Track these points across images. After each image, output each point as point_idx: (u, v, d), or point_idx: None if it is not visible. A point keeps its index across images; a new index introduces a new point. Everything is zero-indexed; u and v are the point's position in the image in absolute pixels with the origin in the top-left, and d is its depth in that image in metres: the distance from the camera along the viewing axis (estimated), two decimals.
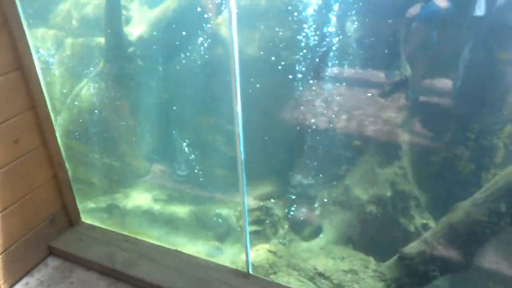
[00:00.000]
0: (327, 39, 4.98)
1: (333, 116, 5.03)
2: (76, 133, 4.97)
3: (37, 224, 3.45)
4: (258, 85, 4.82)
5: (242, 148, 3.07)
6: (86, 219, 3.79)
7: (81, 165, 4.82)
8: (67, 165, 3.56)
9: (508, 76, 4.34)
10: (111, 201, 4.95)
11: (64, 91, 5.31)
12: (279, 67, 5.05)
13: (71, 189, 3.67)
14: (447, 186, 4.33)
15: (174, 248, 3.44)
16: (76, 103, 5.14)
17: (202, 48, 5.38)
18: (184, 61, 5.38)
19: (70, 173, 3.61)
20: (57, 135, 3.45)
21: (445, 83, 4.64)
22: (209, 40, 5.36)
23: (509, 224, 3.17)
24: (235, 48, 2.78)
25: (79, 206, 3.73)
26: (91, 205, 4.67)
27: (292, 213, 4.62)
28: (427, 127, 4.68)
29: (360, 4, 4.77)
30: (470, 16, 4.36)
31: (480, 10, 4.27)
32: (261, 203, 4.72)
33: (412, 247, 3.73)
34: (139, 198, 5.26)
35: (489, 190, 3.34)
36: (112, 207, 4.87)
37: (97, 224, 3.77)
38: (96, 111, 5.15)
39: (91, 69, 5.25)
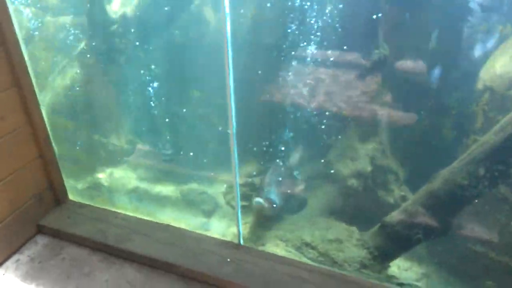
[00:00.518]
0: (308, 20, 5.04)
1: (314, 94, 5.11)
2: (62, 110, 4.89)
3: (24, 203, 3.44)
4: (245, 62, 4.85)
5: (234, 123, 3.13)
6: (73, 197, 3.79)
7: (67, 143, 4.75)
8: (53, 143, 3.54)
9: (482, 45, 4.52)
10: (97, 179, 4.91)
11: (49, 68, 5.19)
12: (265, 46, 5.08)
13: (58, 167, 3.66)
14: (428, 157, 4.49)
15: (165, 223, 3.49)
16: (60, 79, 5.04)
17: (189, 24, 5.34)
18: (170, 37, 5.33)
19: (56, 151, 3.58)
20: (43, 112, 3.41)
21: (423, 58, 4.77)
22: (197, 15, 5.33)
23: (487, 187, 3.35)
24: (227, 23, 2.82)
25: (66, 184, 3.72)
26: (78, 183, 4.62)
27: (277, 188, 4.70)
28: (406, 101, 4.82)
29: None
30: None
31: None
32: (248, 179, 4.78)
33: (393, 216, 3.89)
34: (125, 177, 5.24)
35: (466, 159, 3.51)
36: (98, 185, 4.84)
37: (84, 202, 3.77)
38: (80, 87, 5.07)
39: (75, 46, 5.14)
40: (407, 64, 4.93)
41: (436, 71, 4.72)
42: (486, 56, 4.47)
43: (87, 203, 3.70)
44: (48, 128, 3.46)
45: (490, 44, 4.48)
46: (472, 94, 4.41)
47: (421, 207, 3.72)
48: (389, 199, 4.63)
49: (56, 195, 3.63)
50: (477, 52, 4.55)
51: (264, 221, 4.42)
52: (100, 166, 5.18)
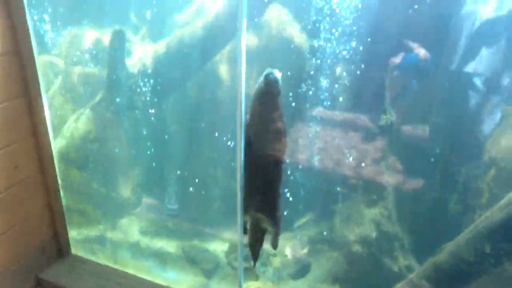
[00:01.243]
0: (318, 83, 5.20)
1: (323, 156, 5.17)
2: (74, 160, 4.95)
3: (27, 253, 3.42)
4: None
5: (241, 184, 3.15)
6: (75, 250, 3.76)
7: (75, 194, 4.76)
8: (62, 193, 3.56)
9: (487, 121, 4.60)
10: (100, 232, 4.87)
11: (65, 119, 5.32)
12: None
13: (64, 218, 3.66)
14: (433, 228, 4.46)
15: (165, 285, 3.43)
16: (75, 130, 5.15)
17: (202, 83, 5.52)
18: (184, 96, 5.49)
19: (64, 202, 3.60)
20: (55, 162, 3.46)
21: (430, 128, 4.86)
22: (210, 76, 5.50)
23: (493, 264, 3.29)
24: (242, 85, 2.91)
25: (70, 236, 3.71)
26: (81, 235, 4.59)
27: (280, 250, 4.65)
28: (413, 169, 4.85)
29: (349, 52, 5.01)
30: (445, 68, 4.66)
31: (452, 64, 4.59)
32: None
33: None
34: (128, 230, 5.20)
35: (472, 232, 3.48)
36: (101, 238, 4.79)
37: (86, 255, 3.74)
38: (94, 138, 5.16)
39: (92, 98, 5.30)
40: (414, 131, 5.02)
41: (443, 140, 4.78)
42: (492, 129, 4.55)
43: (89, 257, 3.66)
44: (59, 179, 3.49)
45: (495, 118, 4.57)
46: (478, 167, 4.45)
47: (426, 281, 3.65)
48: (394, 267, 4.55)
49: (59, 247, 3.60)
50: (484, 124, 4.63)
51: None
52: (105, 218, 5.17)
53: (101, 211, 5.09)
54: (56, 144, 3.69)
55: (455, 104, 4.70)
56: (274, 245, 2.95)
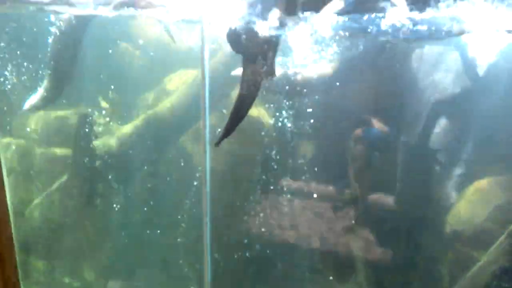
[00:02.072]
0: (284, 158, 5.32)
1: (290, 231, 5.16)
2: (34, 248, 4.74)
3: None
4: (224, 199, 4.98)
5: (209, 263, 3.11)
6: None
7: (36, 285, 4.51)
8: (21, 286, 3.39)
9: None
10: None
11: (26, 203, 5.18)
12: (243, 182, 5.26)
13: None
14: None
15: None
16: (37, 214, 4.99)
17: (170, 164, 5.54)
18: (152, 178, 5.49)
19: None
20: (16, 250, 3.33)
21: (391, 199, 4.99)
22: (178, 156, 5.55)
23: None
24: (207, 162, 2.99)
25: None
26: None
27: None
28: (380, 242, 4.90)
29: (312, 129, 5.21)
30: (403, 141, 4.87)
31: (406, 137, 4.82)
32: None
33: None
34: None
35: None
36: None
37: None
38: (56, 225, 5.00)
39: (56, 179, 5.22)
40: (378, 201, 5.12)
41: (406, 210, 4.88)
42: (453, 202, 4.72)
43: None
44: (18, 268, 3.35)
45: (456, 191, 4.76)
46: (439, 245, 4.55)
47: None
48: None
49: None
50: (445, 197, 4.79)
51: None
52: None
53: None
54: (17, 231, 3.58)
55: (416, 176, 4.87)
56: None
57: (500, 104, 4.37)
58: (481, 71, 4.58)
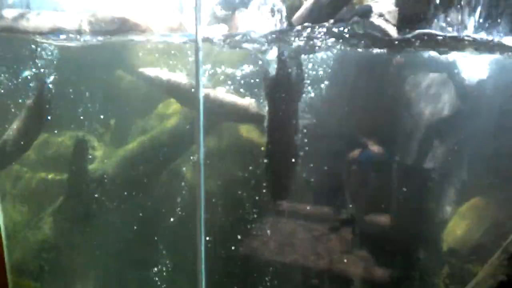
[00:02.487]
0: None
1: (287, 251, 5.14)
2: (28, 271, 4.67)
3: None
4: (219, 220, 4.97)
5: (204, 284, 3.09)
6: None
7: None
8: None
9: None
10: None
11: (19, 226, 5.13)
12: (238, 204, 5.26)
13: None
14: None
15: None
16: (30, 239, 4.94)
17: (163, 186, 5.54)
18: (146, 200, 5.47)
19: None
20: (8, 274, 3.30)
21: (388, 219, 4.99)
22: (172, 179, 5.56)
23: None
24: (201, 187, 3.01)
25: None
26: None
27: None
28: (375, 262, 4.88)
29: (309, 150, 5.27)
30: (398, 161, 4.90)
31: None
32: None
33: None
34: None
35: None
36: None
37: None
38: (50, 247, 4.95)
39: (51, 203, 5.20)
40: (374, 221, 5.12)
41: (403, 230, 4.88)
42: (448, 220, 4.74)
43: None
44: None
45: (451, 209, 4.79)
46: (436, 262, 4.54)
47: None
48: None
49: None
50: (440, 215, 4.81)
51: None
52: None
53: None
54: (10, 253, 3.53)
55: (411, 195, 4.90)
56: None
57: (493, 122, 4.46)
58: (472, 90, 4.68)
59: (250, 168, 5.29)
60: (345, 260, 5.00)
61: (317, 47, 4.00)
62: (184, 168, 5.63)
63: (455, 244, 4.54)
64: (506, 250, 3.13)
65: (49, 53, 4.87)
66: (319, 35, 3.62)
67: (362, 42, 3.74)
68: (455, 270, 4.31)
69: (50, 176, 5.49)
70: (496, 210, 4.45)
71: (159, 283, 5.26)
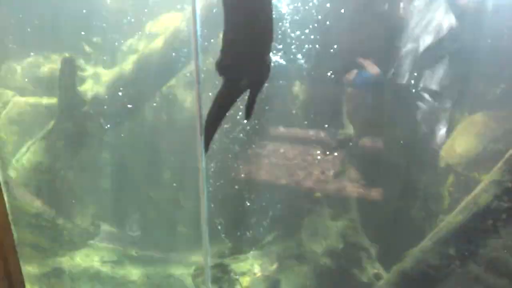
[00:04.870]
0: (276, 101, 5.25)
1: (285, 172, 5.18)
2: (25, 193, 4.65)
3: None
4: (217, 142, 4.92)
5: (206, 204, 3.08)
6: (31, 286, 3.52)
7: (28, 227, 4.47)
8: (13, 227, 3.33)
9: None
10: (58, 264, 4.58)
11: (13, 149, 5.05)
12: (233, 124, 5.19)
13: (16, 254, 3.41)
14: (398, 235, 4.51)
15: None
16: (25, 161, 4.87)
17: (159, 107, 5.43)
18: (142, 118, 5.37)
19: (15, 236, 3.38)
20: (4, 195, 3.26)
21: (386, 139, 4.99)
22: (166, 100, 5.43)
23: (458, 266, 3.35)
24: (200, 107, 2.87)
25: (24, 271, 3.46)
26: (37, 270, 4.30)
27: (249, 269, 4.55)
28: (374, 180, 4.94)
29: (304, 72, 5.12)
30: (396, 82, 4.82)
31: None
32: (218, 261, 4.60)
33: None
34: (87, 261, 4.93)
35: (435, 237, 3.55)
36: (58, 271, 4.51)
37: None
38: (46, 169, 4.90)
39: (42, 127, 5.07)
40: (371, 143, 5.14)
41: (400, 150, 4.90)
42: (445, 136, 4.73)
43: None
44: (9, 212, 3.28)
45: (446, 126, 4.76)
46: (436, 175, 4.59)
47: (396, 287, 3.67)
48: (363, 277, 4.54)
49: (11, 285, 3.35)
50: (437, 132, 4.80)
51: None
52: (62, 250, 4.89)
53: (57, 244, 4.81)
54: (5, 176, 3.48)
55: (408, 116, 4.86)
56: (250, 112, 2.42)
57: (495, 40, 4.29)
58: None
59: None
60: (342, 182, 5.05)
61: None
62: (178, 90, 5.48)
63: (453, 160, 4.56)
64: (509, 160, 3.15)
65: None
66: None
67: None
68: (460, 178, 4.35)
69: (41, 100, 5.32)
70: (496, 126, 4.42)
71: (157, 200, 5.32)
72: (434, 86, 4.73)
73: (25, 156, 4.91)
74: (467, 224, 3.27)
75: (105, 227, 5.32)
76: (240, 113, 5.18)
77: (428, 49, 4.60)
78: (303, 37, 4.91)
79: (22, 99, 5.36)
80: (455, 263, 3.33)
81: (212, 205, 4.38)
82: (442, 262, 3.37)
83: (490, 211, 3.07)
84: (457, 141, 4.65)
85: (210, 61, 5.28)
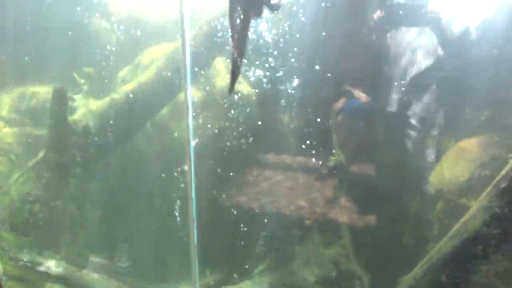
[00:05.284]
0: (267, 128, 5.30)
1: (277, 200, 5.17)
2: (11, 225, 4.57)
3: None
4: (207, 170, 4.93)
5: (195, 233, 3.07)
6: None
7: (14, 260, 4.36)
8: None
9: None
10: None
11: (1, 181, 5.00)
12: (224, 152, 5.22)
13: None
14: (390, 263, 4.49)
15: None
16: (13, 192, 4.81)
17: (148, 137, 5.44)
18: (132, 149, 5.36)
19: (1, 268, 3.32)
20: None
21: (376, 165, 5.03)
22: (157, 129, 5.45)
23: None
24: (190, 135, 2.92)
25: None
26: None
27: None
28: (365, 206, 4.95)
29: (295, 100, 5.20)
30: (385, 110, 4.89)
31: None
32: None
33: None
34: None
35: (427, 264, 3.54)
36: None
37: None
38: (33, 200, 4.83)
39: (31, 158, 5.04)
40: (362, 169, 5.17)
41: (390, 175, 4.93)
42: (434, 163, 4.78)
43: None
44: None
45: (435, 153, 4.82)
46: (426, 201, 4.61)
47: None
48: None
49: None
50: (426, 159, 4.84)
51: None
52: (49, 283, 4.76)
53: (45, 277, 4.68)
54: None
55: (398, 142, 4.91)
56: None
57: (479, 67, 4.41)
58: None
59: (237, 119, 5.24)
60: (332, 207, 5.05)
61: None
62: (169, 118, 5.51)
63: (443, 186, 4.59)
64: (497, 186, 3.19)
65: None
66: None
67: None
68: (450, 204, 4.38)
69: (30, 130, 5.32)
70: (485, 152, 4.48)
71: (147, 230, 5.25)
72: (421, 113, 4.80)
73: (14, 187, 4.85)
74: (457, 251, 3.28)
75: (94, 258, 5.22)
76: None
77: (415, 76, 4.68)
78: (293, 65, 5.01)
79: (11, 130, 5.35)
80: None
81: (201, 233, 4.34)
82: None
83: (480, 237, 3.07)
84: (446, 168, 4.70)
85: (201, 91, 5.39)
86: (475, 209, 3.15)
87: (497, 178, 3.20)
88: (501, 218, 2.99)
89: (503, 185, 3.15)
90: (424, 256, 3.61)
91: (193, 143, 2.84)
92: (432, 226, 4.49)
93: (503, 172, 3.26)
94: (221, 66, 5.71)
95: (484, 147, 4.55)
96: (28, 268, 4.46)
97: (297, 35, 5.02)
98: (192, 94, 4.87)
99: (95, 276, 4.78)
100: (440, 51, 4.63)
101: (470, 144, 4.67)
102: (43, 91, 5.57)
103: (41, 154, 5.00)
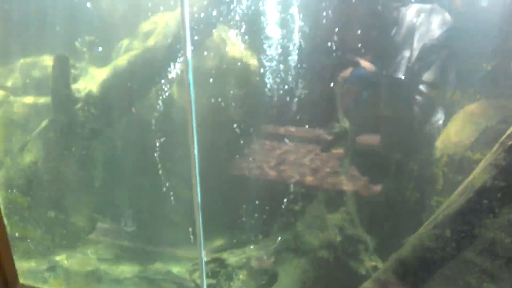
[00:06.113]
0: (272, 97, 5.29)
1: (282, 168, 5.19)
2: (19, 188, 4.63)
3: None
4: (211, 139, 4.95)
5: (199, 196, 3.06)
6: (24, 280, 3.47)
7: (22, 221, 4.44)
8: (5, 220, 3.31)
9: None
10: (53, 260, 4.54)
11: (8, 146, 5.06)
12: (232, 123, 5.23)
13: (9, 247, 3.38)
14: (394, 225, 4.51)
15: None
16: (20, 159, 4.86)
17: (153, 101, 5.43)
18: (135, 115, 5.37)
19: (8, 229, 3.35)
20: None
21: (382, 132, 5.00)
22: (162, 92, 5.44)
23: (455, 248, 3.33)
24: (192, 105, 2.88)
25: (18, 265, 3.42)
26: (31, 264, 4.26)
27: (246, 262, 4.53)
28: (370, 172, 4.95)
29: (299, 69, 5.16)
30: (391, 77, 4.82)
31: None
32: (215, 255, 4.58)
33: (365, 286, 3.78)
34: (84, 258, 4.89)
35: (432, 223, 3.53)
36: (54, 267, 4.46)
37: (36, 284, 3.47)
38: (41, 165, 4.88)
39: (36, 126, 5.07)
40: (367, 136, 5.15)
41: (395, 139, 4.91)
42: (441, 125, 4.75)
43: (39, 286, 3.40)
44: (2, 206, 3.26)
45: (443, 114, 4.77)
46: (431, 158, 4.59)
47: (392, 275, 3.64)
48: (361, 269, 4.53)
49: (4, 279, 3.31)
50: (432, 120, 4.80)
51: None
52: (57, 245, 4.85)
53: (52, 238, 4.77)
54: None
55: (405, 109, 4.87)
56: None
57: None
58: None
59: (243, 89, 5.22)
60: (337, 174, 5.06)
61: None
62: (171, 87, 5.49)
63: (449, 150, 4.56)
64: (503, 143, 3.16)
65: None
66: None
67: None
68: (455, 158, 4.36)
69: (34, 100, 5.33)
70: (491, 115, 4.43)
71: (152, 193, 5.29)
72: (431, 79, 4.74)
73: (21, 154, 4.90)
74: (463, 207, 3.26)
75: (100, 223, 5.29)
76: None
77: (424, 44, 4.62)
78: (298, 34, 4.96)
79: (15, 99, 5.37)
80: (452, 246, 3.31)
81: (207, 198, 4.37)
82: (439, 246, 3.35)
83: (486, 192, 3.06)
84: (452, 132, 4.67)
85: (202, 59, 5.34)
86: (482, 165, 3.13)
87: (504, 136, 3.16)
88: (507, 172, 2.96)
89: (511, 142, 3.12)
90: (429, 210, 3.60)
91: None
92: (436, 180, 4.47)
93: (510, 131, 3.22)
94: (226, 35, 5.64)
95: (491, 110, 4.51)
96: (37, 230, 4.56)
97: (303, 3, 4.94)
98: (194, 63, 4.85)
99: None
100: (449, 19, 4.55)
101: (477, 108, 4.63)
102: (47, 60, 5.54)
103: (45, 121, 5.02)
